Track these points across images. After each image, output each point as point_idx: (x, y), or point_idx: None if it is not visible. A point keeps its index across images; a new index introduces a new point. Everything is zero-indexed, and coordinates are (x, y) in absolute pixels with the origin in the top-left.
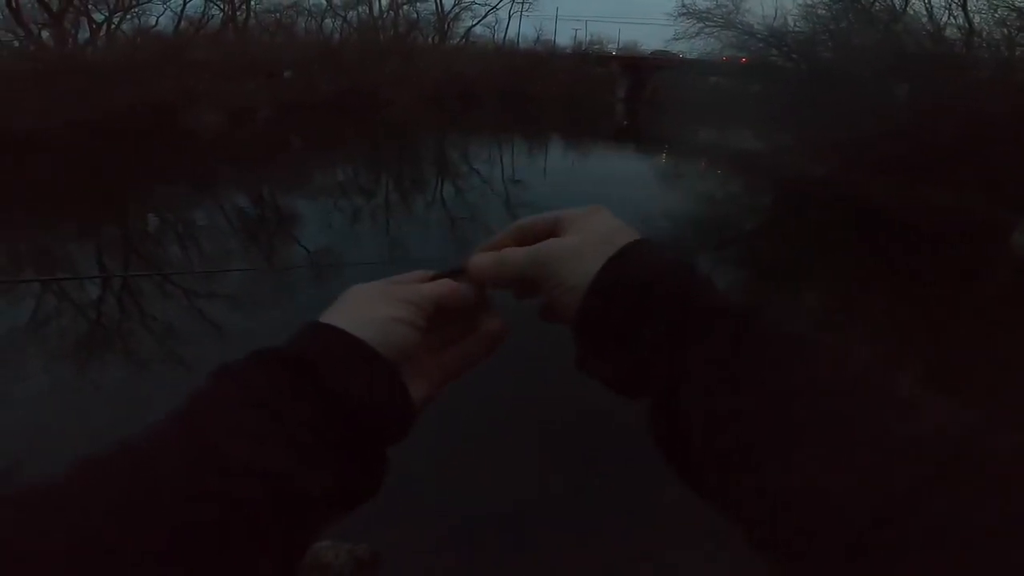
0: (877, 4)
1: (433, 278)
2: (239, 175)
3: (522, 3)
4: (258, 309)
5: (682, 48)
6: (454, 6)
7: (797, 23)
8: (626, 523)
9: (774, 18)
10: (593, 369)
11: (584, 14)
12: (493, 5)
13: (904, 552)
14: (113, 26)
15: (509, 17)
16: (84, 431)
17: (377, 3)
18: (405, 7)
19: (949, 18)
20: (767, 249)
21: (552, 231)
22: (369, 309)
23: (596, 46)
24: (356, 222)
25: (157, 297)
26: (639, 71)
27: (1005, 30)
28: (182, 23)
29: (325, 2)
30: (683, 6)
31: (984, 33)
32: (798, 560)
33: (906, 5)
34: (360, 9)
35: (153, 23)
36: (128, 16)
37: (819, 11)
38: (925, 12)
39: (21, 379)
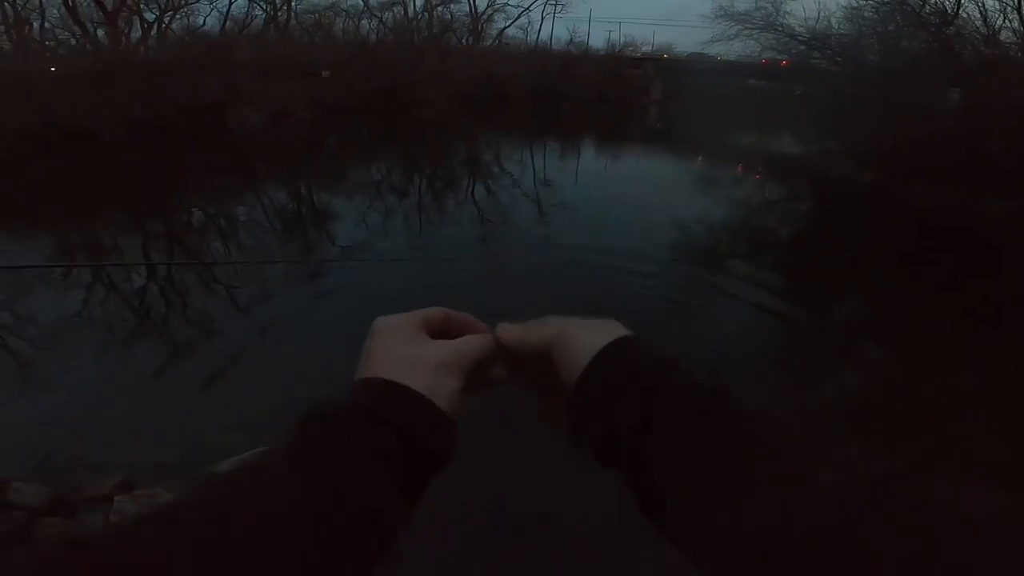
0: (927, 6)
1: (451, 319)
2: (278, 172)
3: (555, 5)
4: (288, 299)
5: (719, 50)
6: (487, 7)
7: (841, 25)
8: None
9: (816, 20)
10: (579, 443)
11: (618, 16)
12: (526, 7)
13: None
14: (163, 25)
15: (542, 18)
16: (125, 417)
17: (412, 4)
18: (439, 8)
19: (1004, 21)
20: (806, 257)
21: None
22: (440, 380)
23: (630, 48)
24: (387, 219)
25: (197, 286)
26: (674, 73)
27: None
28: (228, 23)
29: (362, 3)
30: (720, 8)
31: None
32: None
33: (958, 7)
34: (395, 10)
35: (201, 23)
36: (177, 16)
37: (865, 13)
38: (979, 15)
39: (68, 366)
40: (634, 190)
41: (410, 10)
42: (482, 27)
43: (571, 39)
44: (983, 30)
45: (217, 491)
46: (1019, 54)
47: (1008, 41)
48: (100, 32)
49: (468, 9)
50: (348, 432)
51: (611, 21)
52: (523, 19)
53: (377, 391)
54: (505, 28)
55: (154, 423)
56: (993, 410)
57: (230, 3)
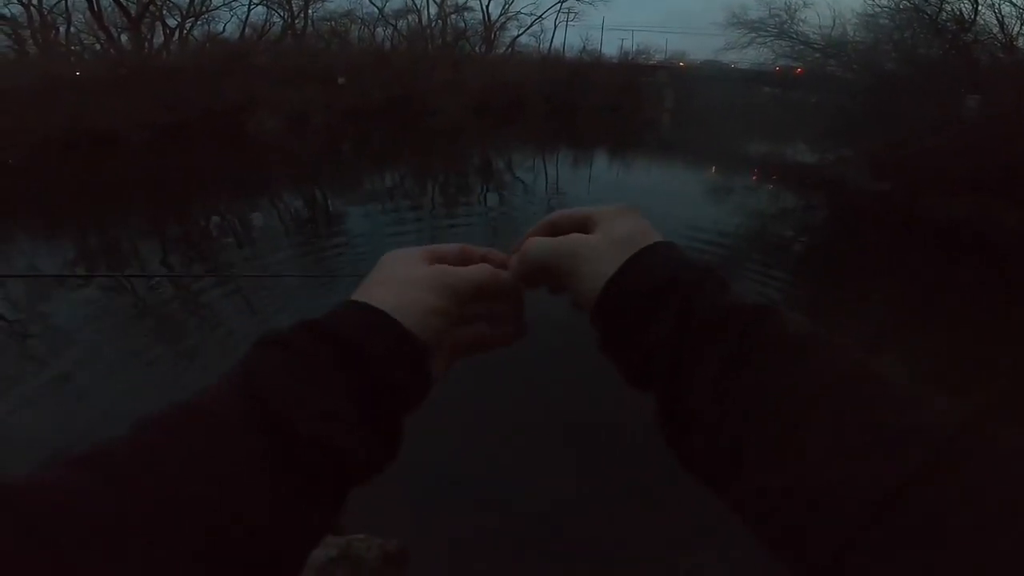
0: (944, 13)
1: (468, 254)
2: (294, 179)
3: (568, 13)
4: (302, 311)
5: (733, 58)
6: (501, 15)
7: (857, 33)
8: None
9: (832, 28)
10: (609, 357)
11: (631, 24)
12: (539, 15)
13: (897, 547)
14: (185, 31)
15: (555, 27)
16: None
17: (426, 12)
18: (453, 16)
19: (1021, 27)
20: (822, 267)
21: (581, 226)
22: (412, 295)
23: (643, 55)
24: (401, 227)
25: (214, 294)
26: (688, 81)
27: None
28: (246, 30)
29: (377, 11)
30: (733, 16)
31: None
32: (797, 556)
33: (975, 14)
34: (410, 18)
35: (221, 29)
36: (198, 22)
37: (881, 20)
38: (996, 21)
39: (86, 372)
40: (646, 199)
41: (424, 18)
42: (495, 35)
43: (584, 47)
44: (1001, 37)
45: (150, 430)
46: None
47: None
48: (124, 37)
49: (481, 17)
50: (295, 352)
51: (624, 29)
52: (536, 27)
53: (337, 310)
54: (518, 36)
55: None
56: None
57: (249, 9)
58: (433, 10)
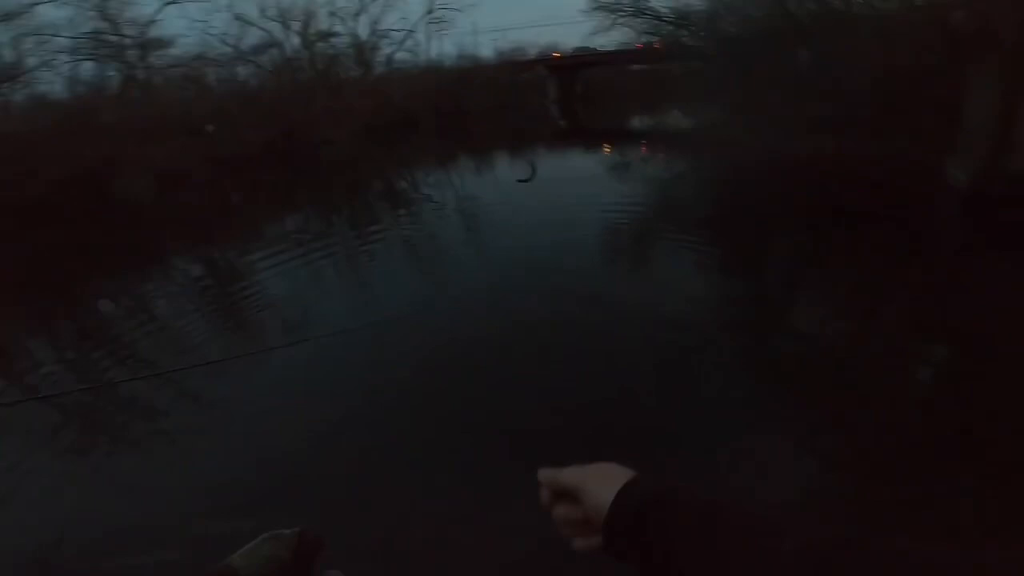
0: None
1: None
2: (185, 242)
3: (437, 22)
4: (235, 380)
5: (601, 41)
6: (371, 35)
7: (698, 2)
8: None
9: (678, 1)
10: (614, 555)
11: (500, 24)
12: (409, 29)
13: None
14: (3, 97)
15: (428, 38)
16: (104, 520)
17: (288, 44)
18: (319, 44)
19: None
20: (732, 221)
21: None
22: None
23: (519, 52)
24: (318, 276)
25: (143, 393)
26: (565, 70)
27: None
28: (78, 88)
29: (232, 49)
30: (594, 1)
31: None
32: None
33: None
34: (272, 52)
35: (46, 91)
36: (15, 86)
37: None
38: None
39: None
40: (557, 188)
41: (288, 49)
42: (369, 56)
43: (460, 53)
44: None
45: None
46: (843, 8)
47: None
48: None
49: (351, 40)
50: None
51: (495, 30)
52: (409, 42)
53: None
54: (393, 53)
55: (136, 524)
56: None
57: (75, 66)
58: (295, 40)
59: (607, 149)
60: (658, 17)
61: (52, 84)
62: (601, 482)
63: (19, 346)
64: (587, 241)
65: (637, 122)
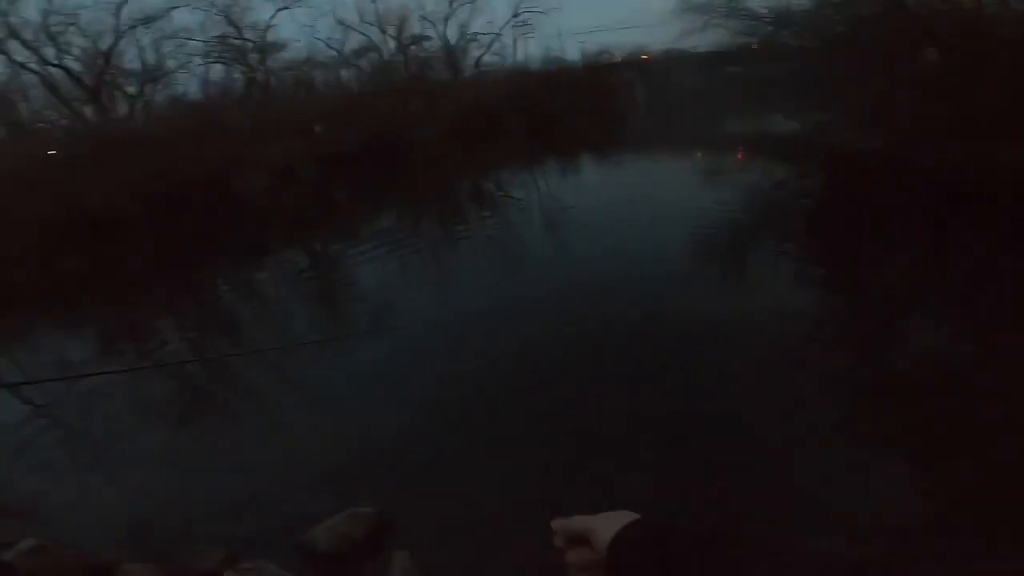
0: None
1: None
2: (292, 235)
3: (524, 25)
4: (330, 367)
5: (692, 43)
6: (460, 40)
7: (799, 1)
8: None
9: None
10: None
11: (586, 27)
12: (496, 32)
13: None
14: (146, 97)
15: (514, 41)
16: (203, 491)
17: (386, 48)
18: (413, 47)
19: None
20: (829, 231)
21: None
22: None
23: (605, 55)
24: (410, 273)
25: (242, 370)
26: (654, 72)
27: None
28: (209, 89)
29: (337, 53)
30: (684, 2)
31: None
32: None
33: None
34: (371, 56)
35: (182, 91)
36: (157, 87)
37: None
38: None
39: (137, 448)
40: (646, 191)
41: (385, 53)
42: (458, 59)
43: (546, 56)
44: None
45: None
46: (973, 6)
47: None
48: (88, 110)
49: (441, 44)
50: None
51: (582, 33)
52: (497, 45)
53: None
54: (481, 56)
55: (231, 495)
56: None
57: (207, 69)
58: (392, 44)
59: (699, 155)
60: (755, 17)
61: (187, 86)
62: (609, 525)
63: (147, 324)
64: (675, 248)
65: (732, 126)
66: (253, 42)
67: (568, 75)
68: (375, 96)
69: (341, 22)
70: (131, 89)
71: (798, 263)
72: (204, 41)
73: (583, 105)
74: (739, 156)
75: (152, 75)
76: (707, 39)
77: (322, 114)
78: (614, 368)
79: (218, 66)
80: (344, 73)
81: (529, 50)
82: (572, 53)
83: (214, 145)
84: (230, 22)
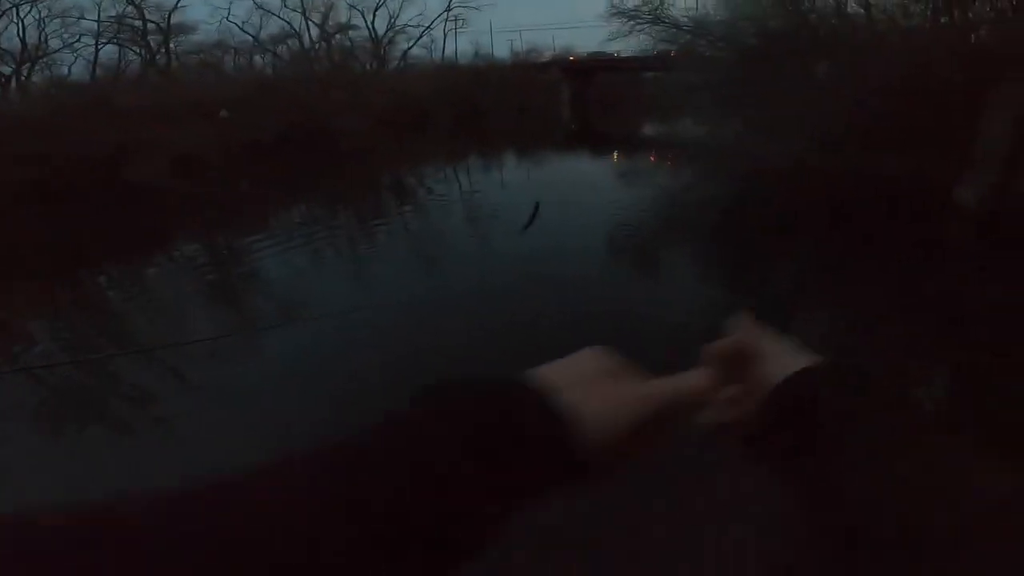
0: None
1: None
2: (191, 226)
3: (455, 20)
4: (232, 365)
5: (617, 47)
6: (387, 31)
7: (717, 11)
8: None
9: (696, 8)
10: (761, 442)
11: (517, 24)
12: (427, 25)
13: None
14: (22, 78)
15: (444, 35)
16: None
17: (307, 35)
18: (337, 36)
19: None
20: (739, 234)
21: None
22: (598, 398)
23: (534, 54)
24: (321, 263)
25: (134, 367)
26: (579, 73)
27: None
28: (98, 71)
29: (252, 38)
30: (612, 6)
31: (880, 7)
32: None
33: None
34: (290, 42)
35: (66, 72)
36: (36, 68)
37: None
38: None
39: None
40: (564, 190)
41: (306, 40)
42: (385, 50)
43: (476, 52)
44: (832, 2)
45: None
46: (865, 24)
47: (854, 14)
48: None
49: (368, 34)
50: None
51: (511, 30)
52: (425, 38)
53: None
54: (409, 49)
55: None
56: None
57: (97, 49)
58: (315, 32)
59: (615, 155)
60: (676, 25)
61: (73, 67)
62: (785, 363)
63: (18, 322)
64: (587, 246)
65: (648, 129)
66: (155, 23)
67: (497, 72)
68: (294, 83)
69: (260, 6)
70: (4, 68)
71: (697, 263)
72: (97, 21)
73: (511, 102)
74: (651, 158)
75: (30, 55)
76: (631, 43)
77: (231, 100)
78: (520, 358)
79: (112, 47)
80: (258, 59)
81: (459, 46)
82: (502, 50)
83: (102, 129)
84: (131, 2)
